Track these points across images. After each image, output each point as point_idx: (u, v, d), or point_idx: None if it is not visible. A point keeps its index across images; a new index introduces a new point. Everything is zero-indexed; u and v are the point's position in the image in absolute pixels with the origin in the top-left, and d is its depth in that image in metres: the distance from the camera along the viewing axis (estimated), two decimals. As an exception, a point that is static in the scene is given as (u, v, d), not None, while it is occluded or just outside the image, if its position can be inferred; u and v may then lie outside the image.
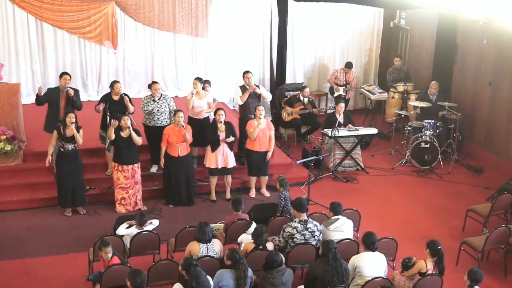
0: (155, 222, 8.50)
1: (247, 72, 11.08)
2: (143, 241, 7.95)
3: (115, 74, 13.60)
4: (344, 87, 13.68)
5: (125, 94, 10.41)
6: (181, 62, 14.04)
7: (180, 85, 14.16)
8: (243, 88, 11.00)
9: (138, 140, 9.76)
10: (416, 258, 7.36)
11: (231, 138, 10.21)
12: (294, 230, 7.61)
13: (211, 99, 10.94)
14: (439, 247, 7.06)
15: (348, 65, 13.82)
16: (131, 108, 10.31)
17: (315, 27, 14.61)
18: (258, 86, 11.18)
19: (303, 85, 13.68)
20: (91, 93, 13.54)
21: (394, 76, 14.07)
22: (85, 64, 13.45)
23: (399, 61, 14.11)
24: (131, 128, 9.63)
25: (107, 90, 13.34)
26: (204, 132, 10.41)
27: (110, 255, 7.10)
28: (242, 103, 10.96)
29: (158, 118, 10.48)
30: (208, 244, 7.39)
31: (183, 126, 9.89)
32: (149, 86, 10.67)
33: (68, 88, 10.07)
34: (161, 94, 10.55)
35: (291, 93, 13.66)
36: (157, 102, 10.42)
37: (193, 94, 10.56)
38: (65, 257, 8.73)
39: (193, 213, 10.04)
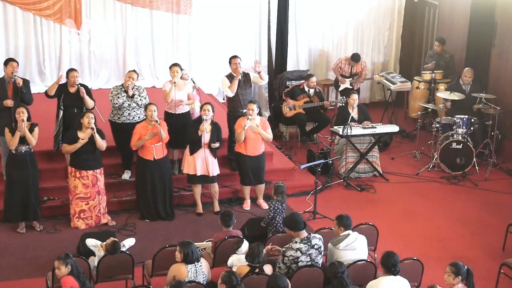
0: (130, 242, 8.48)
1: (234, 57, 11.08)
2: (113, 264, 7.92)
3: (78, 59, 13.61)
4: (351, 78, 13.67)
5: (82, 85, 10.33)
6: (159, 45, 14.05)
7: (158, 73, 14.15)
8: (231, 78, 11.01)
9: (102, 144, 9.71)
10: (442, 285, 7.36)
11: (216, 144, 10.21)
12: (298, 252, 7.59)
13: (191, 89, 10.94)
14: (465, 267, 7.06)
15: (355, 58, 13.63)
16: (89, 102, 10.26)
17: (322, 1, 14.66)
18: (247, 74, 11.17)
19: (309, 73, 13.71)
20: (49, 83, 13.41)
21: (431, 61, 13.99)
22: (41, 48, 13.44)
23: (438, 46, 13.95)
24: (94, 129, 9.58)
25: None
26: (184, 130, 10.40)
27: (64, 269, 7.06)
28: (233, 94, 10.97)
29: (129, 114, 10.47)
30: (196, 264, 7.40)
31: (157, 122, 9.88)
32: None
33: (16, 77, 10.04)
34: (134, 85, 10.54)
35: (294, 82, 13.68)
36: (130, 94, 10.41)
37: (174, 84, 10.56)
38: (17, 283, 8.68)
39: (174, 230, 10.05)
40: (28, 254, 9.30)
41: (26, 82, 10.24)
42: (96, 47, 13.71)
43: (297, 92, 12.94)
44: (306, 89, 12.91)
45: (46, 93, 10.38)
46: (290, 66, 14.65)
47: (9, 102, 9.90)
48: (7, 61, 10.17)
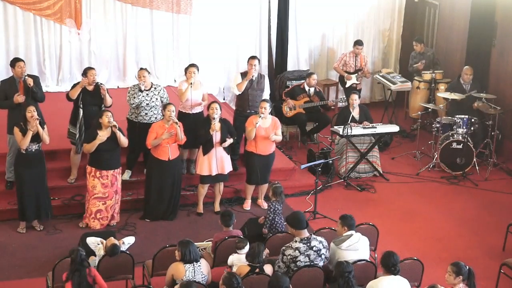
0: (130, 240, 8.48)
1: (253, 58, 11.09)
2: (114, 264, 7.93)
3: (79, 59, 13.60)
4: (356, 74, 13.70)
5: (101, 84, 10.39)
6: (159, 45, 14.05)
7: (158, 73, 14.16)
8: (244, 76, 11.02)
9: (125, 141, 9.74)
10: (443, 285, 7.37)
11: (229, 141, 10.20)
12: (297, 251, 7.60)
13: (206, 90, 10.96)
14: (467, 267, 7.07)
15: (360, 42, 13.80)
16: (109, 100, 10.30)
17: (322, 1, 14.67)
18: (263, 76, 11.22)
19: (309, 71, 13.71)
20: (49, 82, 13.52)
21: (415, 61, 14.11)
22: (42, 48, 13.43)
23: (416, 45, 14.16)
24: (117, 126, 9.56)
25: (68, 79, 13.43)
26: (196, 130, 10.40)
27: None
28: (240, 92, 10.97)
29: (146, 113, 10.47)
30: (195, 264, 7.40)
31: (176, 123, 9.89)
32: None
33: (26, 77, 10.03)
34: (152, 83, 10.55)
35: (294, 82, 13.68)
36: (147, 93, 10.42)
37: (191, 84, 10.55)
38: (18, 283, 8.69)
39: (174, 229, 10.05)
40: (28, 254, 9.30)
41: (36, 80, 10.21)
42: (96, 47, 13.71)
43: (297, 92, 12.92)
44: (307, 88, 12.89)
45: (67, 96, 10.31)
46: (291, 66, 14.65)
47: (19, 98, 9.87)
48: (14, 62, 10.10)
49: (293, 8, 14.44)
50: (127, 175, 10.78)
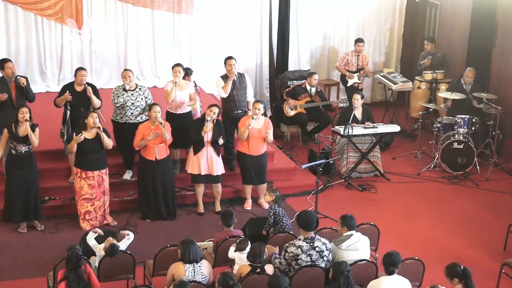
0: (130, 237, 8.48)
1: (229, 58, 11.09)
2: (115, 264, 7.93)
3: (80, 59, 13.60)
4: (358, 73, 13.70)
5: (89, 84, 10.36)
6: (160, 45, 14.06)
7: (159, 73, 14.16)
8: (226, 78, 11.03)
9: (109, 142, 9.72)
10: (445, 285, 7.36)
11: (221, 141, 10.21)
12: (299, 249, 7.61)
13: (193, 90, 10.96)
14: (461, 267, 7.04)
15: (360, 39, 13.83)
16: (96, 101, 10.27)
17: (323, 1, 14.67)
18: (243, 75, 11.21)
19: (311, 71, 13.71)
20: (50, 82, 13.53)
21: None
22: (43, 48, 13.44)
23: (428, 44, 14.10)
24: (101, 128, 9.58)
25: (69, 79, 13.36)
26: (186, 130, 10.40)
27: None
28: (227, 94, 10.98)
29: (132, 113, 10.47)
30: (195, 264, 7.39)
31: (161, 123, 9.89)
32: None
33: (19, 77, 10.02)
34: (137, 84, 10.56)
35: (295, 82, 13.68)
36: (132, 93, 10.42)
37: (175, 83, 10.57)
38: (19, 283, 8.69)
39: (175, 229, 10.05)
40: (29, 254, 9.30)
41: (26, 80, 10.20)
42: (97, 47, 13.71)
43: (299, 92, 12.92)
44: (308, 87, 12.90)
45: (55, 103, 10.33)
46: (292, 66, 14.65)
47: (2, 97, 9.84)
48: (2, 64, 10.08)
49: (294, 8, 14.43)
50: (127, 175, 10.80)
